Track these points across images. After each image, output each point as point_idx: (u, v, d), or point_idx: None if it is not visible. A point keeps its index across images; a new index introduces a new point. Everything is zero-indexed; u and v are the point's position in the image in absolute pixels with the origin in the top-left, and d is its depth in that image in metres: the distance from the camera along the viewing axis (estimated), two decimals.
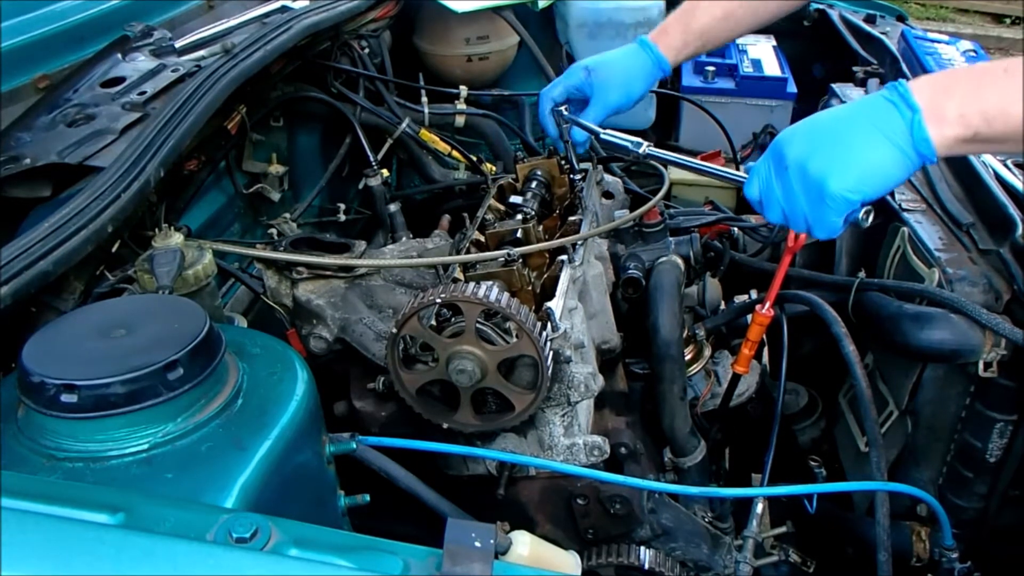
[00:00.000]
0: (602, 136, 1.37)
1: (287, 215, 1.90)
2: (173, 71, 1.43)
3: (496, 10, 2.23)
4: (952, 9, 7.08)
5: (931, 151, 0.97)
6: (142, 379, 0.77)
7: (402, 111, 2.02)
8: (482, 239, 1.36)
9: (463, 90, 2.12)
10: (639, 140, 1.34)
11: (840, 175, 1.00)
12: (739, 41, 2.51)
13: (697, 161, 1.33)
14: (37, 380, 0.77)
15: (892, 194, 1.51)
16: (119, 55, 1.50)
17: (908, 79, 1.00)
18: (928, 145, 0.96)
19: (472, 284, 1.09)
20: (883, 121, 0.98)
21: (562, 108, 1.43)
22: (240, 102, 1.63)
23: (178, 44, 1.55)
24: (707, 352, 1.56)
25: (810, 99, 2.23)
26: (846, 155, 1.00)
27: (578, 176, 1.49)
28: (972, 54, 2.01)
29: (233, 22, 1.66)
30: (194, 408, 0.82)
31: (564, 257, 1.27)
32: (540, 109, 1.45)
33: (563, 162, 1.52)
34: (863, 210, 1.03)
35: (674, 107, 2.54)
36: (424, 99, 2.08)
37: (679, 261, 1.48)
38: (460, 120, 2.09)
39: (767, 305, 1.36)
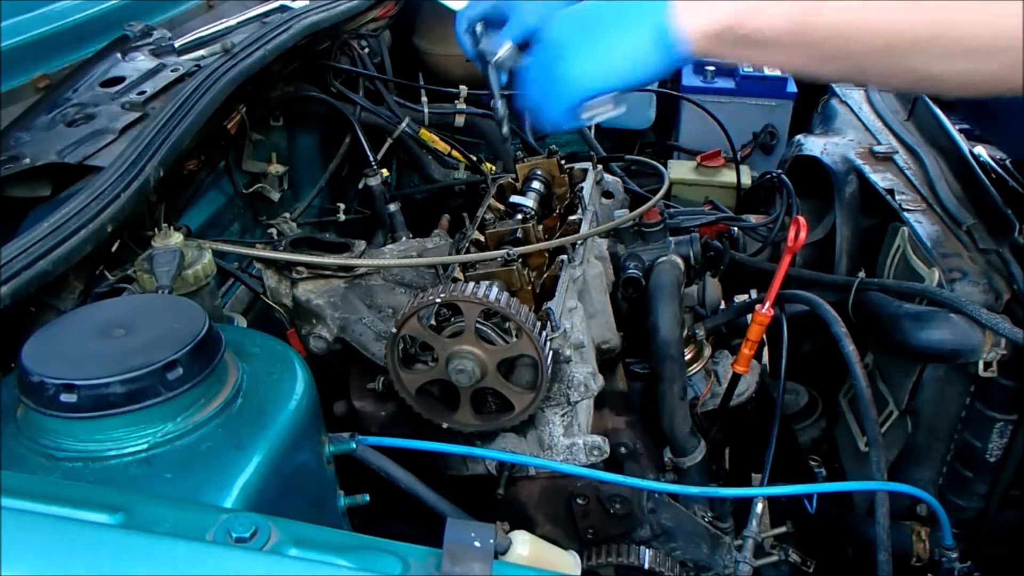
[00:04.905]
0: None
1: (287, 215, 1.90)
2: (173, 71, 1.43)
3: None
4: None
5: (679, 41, 0.88)
6: (141, 379, 0.77)
7: (402, 111, 2.02)
8: (482, 239, 1.36)
9: (463, 90, 2.12)
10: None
11: (577, 58, 0.94)
12: None
13: None
14: (37, 380, 0.77)
15: (892, 194, 1.51)
16: (119, 55, 1.50)
17: None
18: (675, 35, 0.88)
19: (472, 284, 1.09)
20: (637, 7, 0.91)
21: (477, 27, 1.29)
22: (240, 102, 1.63)
23: (178, 44, 1.55)
24: (707, 352, 1.56)
25: (810, 98, 2.23)
26: (589, 40, 0.94)
27: (500, 104, 1.28)
28: None
29: (233, 22, 1.66)
30: (194, 408, 0.82)
31: (564, 257, 1.27)
32: (456, 28, 1.32)
33: (562, 160, 1.52)
34: (606, 100, 0.96)
35: (674, 107, 2.54)
36: (424, 99, 2.08)
37: (679, 261, 1.48)
38: (460, 120, 2.09)
39: (767, 305, 1.36)
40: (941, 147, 1.65)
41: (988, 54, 0.75)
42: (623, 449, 1.33)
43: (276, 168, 1.87)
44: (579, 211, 1.40)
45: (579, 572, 1.09)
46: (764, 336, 1.42)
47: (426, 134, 2.04)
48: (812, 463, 1.66)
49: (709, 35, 0.87)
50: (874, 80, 0.83)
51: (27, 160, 1.18)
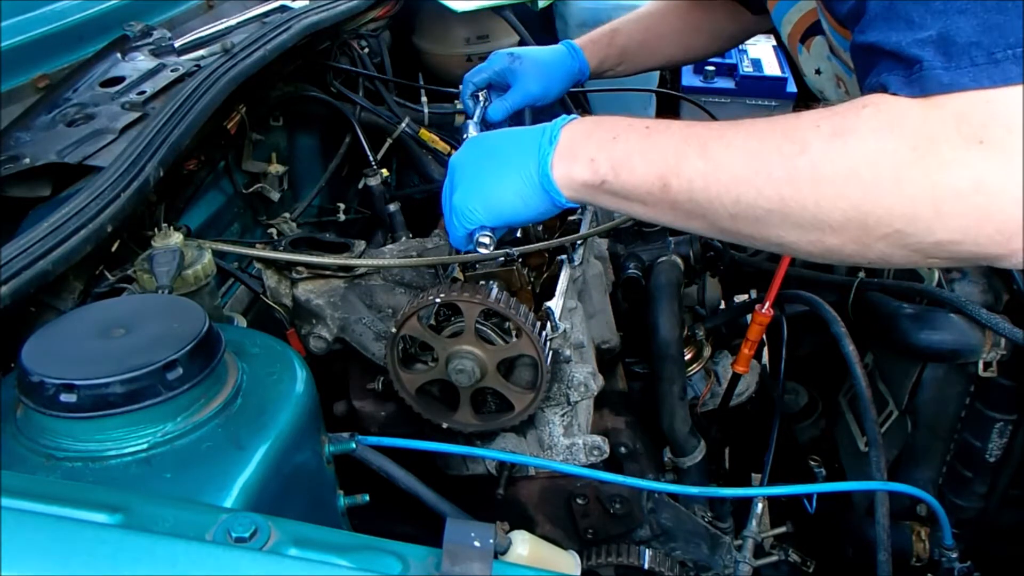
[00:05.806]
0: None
1: (287, 215, 1.90)
2: (172, 71, 1.43)
3: (496, 10, 2.24)
4: None
5: (556, 191, 0.94)
6: (141, 379, 0.77)
7: (402, 111, 2.02)
8: None
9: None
10: None
11: (466, 192, 1.00)
12: None
13: None
14: (36, 380, 0.77)
15: None
16: (119, 55, 1.50)
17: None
18: (551, 183, 0.93)
19: (471, 284, 1.09)
20: (523, 151, 0.96)
21: (480, 93, 1.45)
22: (240, 102, 1.63)
23: (178, 44, 1.55)
24: (707, 352, 1.56)
25: (810, 99, 2.23)
26: (479, 176, 1.00)
27: None
28: None
29: (233, 22, 1.66)
30: (193, 408, 0.82)
31: (564, 256, 1.27)
32: (462, 92, 1.46)
33: None
34: (482, 233, 1.01)
35: (674, 107, 2.54)
36: (424, 99, 2.08)
37: (678, 260, 1.48)
38: (460, 119, 2.09)
39: (767, 305, 1.36)
40: None
41: (833, 230, 0.75)
42: (623, 449, 1.33)
43: (276, 168, 1.87)
44: (579, 211, 1.40)
45: (579, 572, 1.09)
46: (764, 336, 1.42)
47: (426, 134, 2.03)
48: (812, 463, 1.66)
49: (586, 186, 0.92)
50: (736, 240, 0.85)
51: (27, 160, 1.18)
